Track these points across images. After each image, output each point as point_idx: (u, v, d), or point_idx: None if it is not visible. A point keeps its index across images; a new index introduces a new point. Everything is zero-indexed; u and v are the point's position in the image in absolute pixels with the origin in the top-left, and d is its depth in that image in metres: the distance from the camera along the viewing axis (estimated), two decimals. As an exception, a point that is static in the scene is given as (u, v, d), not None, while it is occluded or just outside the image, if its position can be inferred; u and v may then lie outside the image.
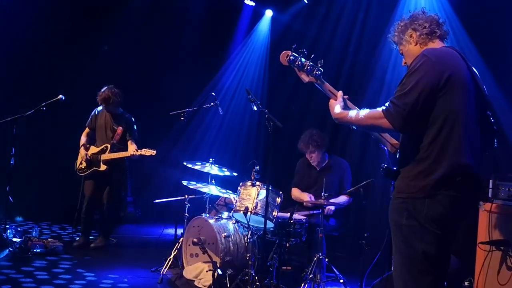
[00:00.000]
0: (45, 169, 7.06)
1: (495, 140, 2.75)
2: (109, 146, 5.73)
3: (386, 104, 2.46)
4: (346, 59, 6.92)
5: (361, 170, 6.15)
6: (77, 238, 5.98)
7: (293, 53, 2.89)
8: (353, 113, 2.62)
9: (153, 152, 5.46)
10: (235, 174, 5.31)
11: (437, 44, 2.63)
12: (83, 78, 7.06)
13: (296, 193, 5.37)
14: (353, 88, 6.50)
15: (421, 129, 2.44)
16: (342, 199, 5.11)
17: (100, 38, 7.55)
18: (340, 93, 2.80)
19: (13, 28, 6.71)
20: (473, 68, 2.62)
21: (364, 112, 2.56)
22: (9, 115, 5.33)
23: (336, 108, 2.71)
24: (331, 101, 2.78)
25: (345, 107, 2.73)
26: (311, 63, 2.86)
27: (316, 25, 7.39)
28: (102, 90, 5.73)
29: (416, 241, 2.42)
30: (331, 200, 4.84)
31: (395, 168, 2.58)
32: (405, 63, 2.74)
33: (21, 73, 6.97)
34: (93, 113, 5.97)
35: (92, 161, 5.73)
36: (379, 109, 2.49)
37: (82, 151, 5.80)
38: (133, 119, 5.92)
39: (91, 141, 5.93)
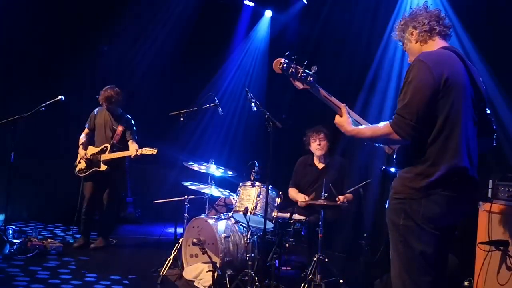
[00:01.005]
0: (45, 169, 7.05)
1: (494, 140, 2.75)
2: (108, 146, 5.73)
3: (394, 118, 2.45)
4: (346, 59, 6.90)
5: (360, 170, 6.14)
6: (73, 240, 5.96)
7: (286, 61, 2.79)
8: (366, 130, 2.61)
9: (154, 151, 5.46)
10: (236, 174, 5.31)
11: (436, 42, 2.63)
12: (82, 78, 7.05)
13: (293, 193, 5.38)
14: (352, 88, 6.48)
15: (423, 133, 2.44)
16: (351, 196, 5.14)
17: (100, 38, 7.55)
18: (343, 106, 2.73)
19: (12, 28, 6.70)
20: (472, 66, 2.61)
21: (374, 127, 2.55)
22: (8, 116, 5.33)
23: (347, 126, 2.67)
24: (338, 118, 2.72)
25: (353, 122, 2.70)
26: (304, 70, 2.77)
27: (316, 25, 7.38)
28: (104, 89, 5.75)
29: (414, 242, 2.43)
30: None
31: (392, 169, 2.58)
32: (410, 60, 2.73)
33: (21, 74, 6.96)
34: (92, 113, 5.96)
35: (92, 161, 5.72)
36: (387, 123, 2.47)
37: (81, 151, 5.80)
38: (132, 119, 5.92)
39: (89, 141, 5.93)
